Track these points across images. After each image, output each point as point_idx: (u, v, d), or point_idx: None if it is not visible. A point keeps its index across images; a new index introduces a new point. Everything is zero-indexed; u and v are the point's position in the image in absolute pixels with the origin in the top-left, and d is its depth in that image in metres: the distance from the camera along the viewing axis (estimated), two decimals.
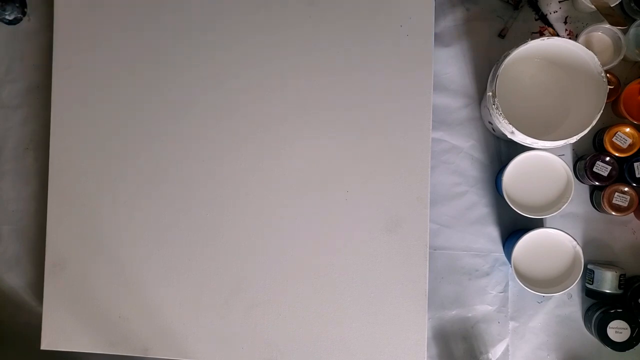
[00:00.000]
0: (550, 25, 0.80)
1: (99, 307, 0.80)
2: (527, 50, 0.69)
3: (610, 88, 0.75)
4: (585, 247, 0.76)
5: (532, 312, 0.80)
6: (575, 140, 0.68)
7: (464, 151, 0.82)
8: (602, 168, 0.76)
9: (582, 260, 0.75)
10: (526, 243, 0.75)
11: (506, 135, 0.72)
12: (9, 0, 0.85)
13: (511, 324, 0.80)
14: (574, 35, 0.80)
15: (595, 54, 0.76)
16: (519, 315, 0.80)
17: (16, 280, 0.88)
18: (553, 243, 0.76)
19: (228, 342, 0.78)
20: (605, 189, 0.76)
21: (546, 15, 0.81)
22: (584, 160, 0.77)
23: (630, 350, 0.74)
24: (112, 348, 0.80)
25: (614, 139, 0.75)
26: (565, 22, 0.81)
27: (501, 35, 0.81)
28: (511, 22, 0.81)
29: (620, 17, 0.75)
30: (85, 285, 0.80)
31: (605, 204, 0.76)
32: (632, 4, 0.77)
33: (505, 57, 0.69)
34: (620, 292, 0.75)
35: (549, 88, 0.77)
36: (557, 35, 0.80)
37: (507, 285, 0.81)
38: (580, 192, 0.79)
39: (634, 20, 0.77)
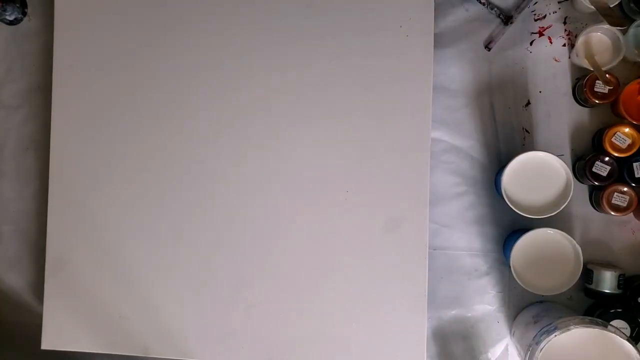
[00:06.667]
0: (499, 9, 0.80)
1: (99, 307, 0.80)
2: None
3: (609, 88, 0.76)
4: (584, 247, 0.76)
5: None
6: None
7: (464, 151, 0.82)
8: (601, 168, 0.76)
9: (582, 260, 0.75)
10: (525, 243, 0.75)
11: None
12: (9, 1, 0.85)
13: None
14: (573, 36, 0.80)
15: (595, 55, 0.77)
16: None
17: (17, 280, 0.88)
18: (552, 243, 0.76)
19: (228, 342, 0.78)
20: (605, 189, 0.76)
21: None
22: (583, 161, 0.77)
23: None
24: (113, 348, 0.80)
25: (613, 139, 0.75)
26: (565, 23, 0.81)
27: (488, 47, 0.81)
28: (499, 36, 0.81)
29: (620, 18, 0.75)
30: (86, 285, 0.80)
31: (605, 204, 0.76)
32: (631, 5, 0.77)
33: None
34: (619, 292, 0.75)
35: None
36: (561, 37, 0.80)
37: (506, 285, 0.81)
38: (579, 192, 0.79)
39: (633, 20, 0.77)
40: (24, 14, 0.88)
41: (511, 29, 0.81)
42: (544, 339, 0.65)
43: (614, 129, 0.75)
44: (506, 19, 0.81)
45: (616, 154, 0.75)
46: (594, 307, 0.78)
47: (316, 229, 0.78)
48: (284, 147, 0.79)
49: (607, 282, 0.75)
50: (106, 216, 0.81)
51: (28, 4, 0.88)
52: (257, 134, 0.79)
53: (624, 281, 0.75)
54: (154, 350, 0.79)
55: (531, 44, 0.81)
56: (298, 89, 0.78)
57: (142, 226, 0.80)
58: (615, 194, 0.76)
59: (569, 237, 0.75)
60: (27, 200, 0.88)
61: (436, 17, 0.79)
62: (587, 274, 0.77)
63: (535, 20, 0.81)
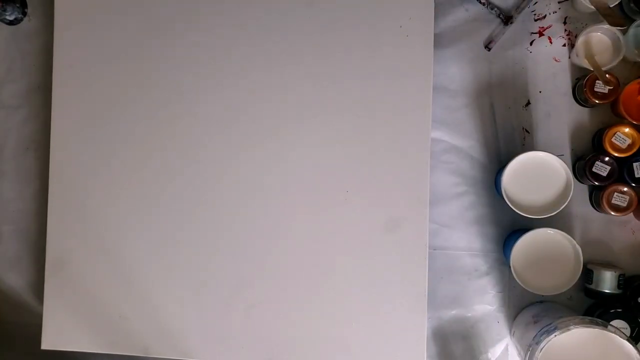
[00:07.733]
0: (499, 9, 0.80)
1: (99, 307, 0.80)
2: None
3: (609, 88, 0.76)
4: (584, 247, 0.76)
5: None
6: None
7: (464, 151, 0.82)
8: (601, 168, 0.76)
9: (582, 260, 0.75)
10: (525, 243, 0.75)
11: None
12: (9, 1, 0.85)
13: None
14: (573, 36, 0.80)
15: (595, 55, 0.77)
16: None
17: (17, 280, 0.88)
18: (552, 243, 0.76)
19: (228, 342, 0.78)
20: (605, 189, 0.76)
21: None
22: (583, 161, 0.77)
23: None
24: (113, 348, 0.80)
25: (613, 139, 0.75)
26: (565, 23, 0.81)
27: (488, 47, 0.81)
28: (499, 36, 0.81)
29: (620, 18, 0.75)
30: (86, 285, 0.80)
31: (605, 204, 0.76)
32: (631, 5, 0.77)
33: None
34: (619, 292, 0.75)
35: None
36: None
37: (506, 285, 0.81)
38: (579, 192, 0.79)
39: (633, 20, 0.77)
40: (24, 14, 0.88)
41: (511, 29, 0.81)
42: (544, 339, 0.65)
43: (614, 129, 0.75)
44: (506, 19, 0.81)
45: (616, 154, 0.75)
46: (594, 307, 0.78)
47: (316, 229, 0.78)
48: (283, 147, 0.79)
49: (607, 282, 0.75)
50: (106, 216, 0.81)
51: (28, 4, 0.88)
52: (257, 134, 0.79)
53: (624, 281, 0.75)
54: (154, 350, 0.79)
55: (531, 44, 0.81)
56: (298, 88, 0.78)
57: (142, 226, 0.80)
58: (615, 194, 0.76)
59: (569, 237, 0.75)
60: (27, 200, 0.88)
61: (436, 17, 0.79)
62: (587, 274, 0.77)
63: (535, 20, 0.81)
